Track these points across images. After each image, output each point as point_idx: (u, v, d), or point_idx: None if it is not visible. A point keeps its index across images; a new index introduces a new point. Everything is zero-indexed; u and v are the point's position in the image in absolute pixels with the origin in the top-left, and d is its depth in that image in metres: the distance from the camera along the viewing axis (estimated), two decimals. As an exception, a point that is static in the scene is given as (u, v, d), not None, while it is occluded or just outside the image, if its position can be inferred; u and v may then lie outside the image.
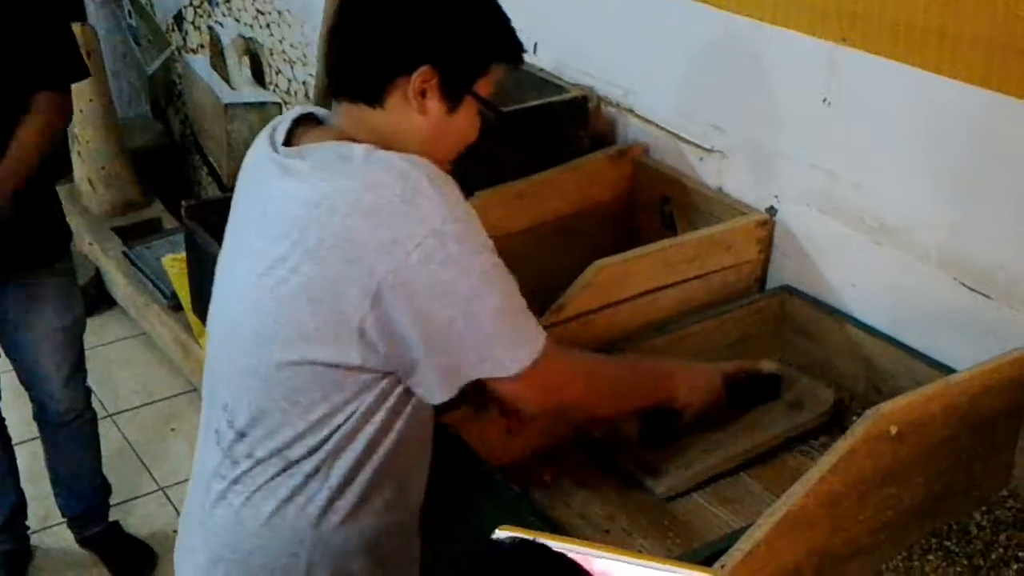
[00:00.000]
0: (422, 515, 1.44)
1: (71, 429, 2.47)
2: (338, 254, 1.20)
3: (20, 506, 2.54)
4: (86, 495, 2.58)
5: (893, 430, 1.29)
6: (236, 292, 1.33)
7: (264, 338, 1.27)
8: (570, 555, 0.86)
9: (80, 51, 2.31)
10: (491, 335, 1.24)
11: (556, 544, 0.88)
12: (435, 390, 1.28)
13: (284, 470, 1.30)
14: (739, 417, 1.57)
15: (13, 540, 2.56)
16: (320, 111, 1.37)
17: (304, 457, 1.29)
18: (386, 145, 1.26)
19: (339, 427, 1.28)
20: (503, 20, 1.33)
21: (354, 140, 1.27)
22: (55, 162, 2.27)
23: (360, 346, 1.23)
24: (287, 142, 1.32)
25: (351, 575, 1.35)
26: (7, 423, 2.49)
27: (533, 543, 0.87)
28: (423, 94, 1.27)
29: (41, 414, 2.47)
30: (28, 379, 2.40)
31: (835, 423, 1.61)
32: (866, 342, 1.65)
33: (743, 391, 1.56)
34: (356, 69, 1.29)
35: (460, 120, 1.32)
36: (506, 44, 1.34)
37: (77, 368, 2.43)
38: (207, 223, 1.87)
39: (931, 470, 1.36)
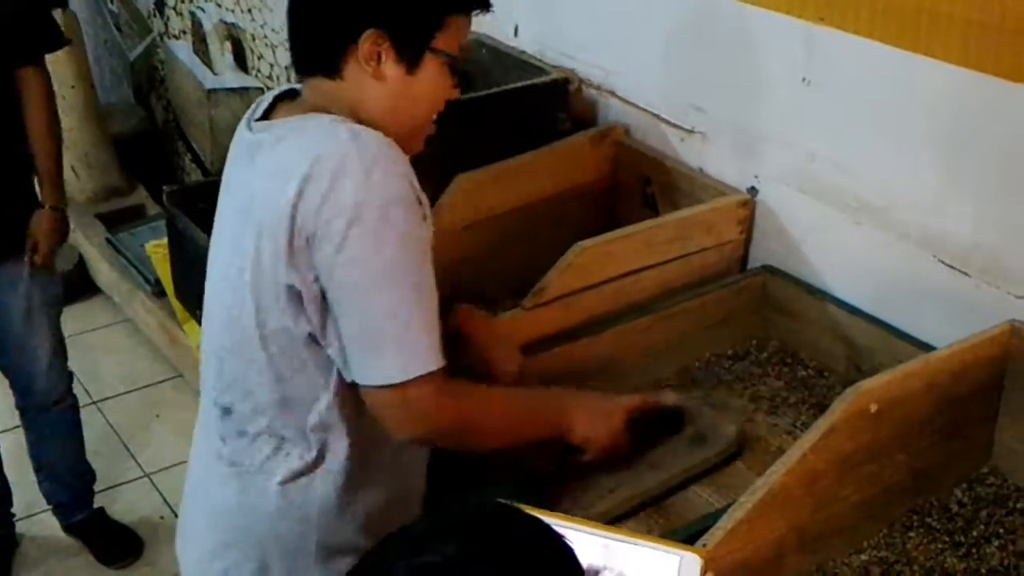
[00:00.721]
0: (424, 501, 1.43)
1: (53, 415, 2.46)
2: (278, 222, 1.20)
3: (5, 494, 2.54)
4: (70, 482, 2.58)
5: (873, 408, 1.29)
6: (218, 273, 1.34)
7: (241, 316, 1.27)
8: (554, 527, 0.86)
9: (54, 20, 2.34)
10: (363, 336, 1.21)
11: (545, 518, 0.88)
12: (343, 368, 1.27)
13: (278, 448, 1.30)
14: (641, 452, 1.47)
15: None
16: (301, 88, 1.36)
17: (297, 437, 1.29)
18: (355, 115, 1.25)
19: (324, 406, 1.28)
20: None
21: (326, 112, 1.26)
22: (27, 142, 2.26)
23: (301, 316, 1.23)
24: (264, 119, 1.32)
25: (359, 551, 1.33)
26: None
27: (512, 508, 0.87)
28: (378, 59, 1.24)
29: (23, 400, 2.46)
30: (10, 363, 2.39)
31: (738, 455, 1.52)
32: (846, 321, 1.66)
33: (646, 425, 1.47)
34: (308, 43, 1.28)
35: (424, 80, 1.27)
36: None
37: (58, 350, 2.43)
38: (189, 208, 1.86)
39: (911, 447, 1.36)
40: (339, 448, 1.30)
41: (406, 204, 1.20)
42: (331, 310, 1.23)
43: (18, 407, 2.49)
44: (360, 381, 1.24)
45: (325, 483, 1.31)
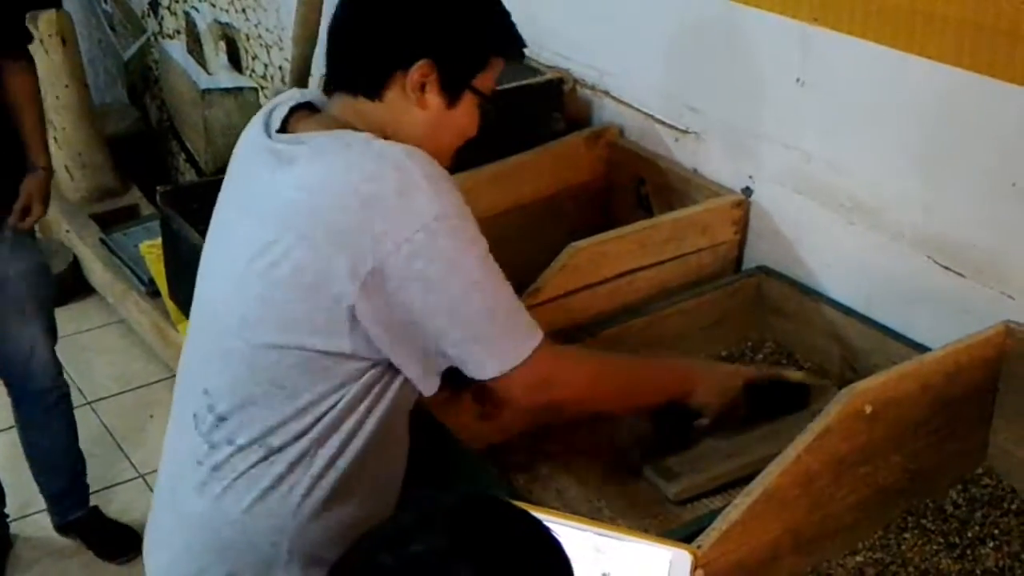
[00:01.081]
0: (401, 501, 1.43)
1: (48, 401, 2.47)
2: (331, 240, 1.20)
3: None
4: (66, 470, 2.58)
5: (868, 409, 1.29)
6: (223, 275, 1.32)
7: (251, 322, 1.26)
8: (547, 523, 0.86)
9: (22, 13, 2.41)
10: (474, 336, 1.24)
11: (537, 513, 0.88)
12: (421, 382, 1.29)
13: (265, 458, 1.29)
14: (762, 425, 1.52)
15: None
16: (317, 98, 1.35)
17: (287, 445, 1.28)
18: (385, 138, 1.26)
19: (323, 415, 1.27)
20: (502, 13, 1.34)
21: (355, 129, 1.26)
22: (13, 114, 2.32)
23: (351, 334, 1.22)
24: (283, 128, 1.31)
25: (329, 564, 1.34)
26: None
27: (500, 500, 0.87)
28: (422, 88, 1.27)
29: (19, 389, 2.47)
30: (5, 350, 2.39)
31: None
32: (841, 321, 1.66)
33: (768, 398, 1.51)
34: (355, 63, 1.29)
35: (459, 114, 1.31)
36: (505, 38, 1.34)
37: (52, 331, 2.45)
38: (183, 209, 1.86)
39: (906, 448, 1.36)
40: (326, 455, 1.29)
41: (465, 205, 1.25)
42: (419, 324, 1.22)
43: (13, 398, 2.49)
44: (487, 376, 1.27)
45: (304, 489, 1.30)
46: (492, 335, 1.25)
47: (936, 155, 1.51)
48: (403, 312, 1.22)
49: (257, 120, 1.34)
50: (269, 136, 1.29)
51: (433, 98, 1.28)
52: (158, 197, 1.90)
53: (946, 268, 1.54)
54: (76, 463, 2.59)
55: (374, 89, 1.28)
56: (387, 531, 0.83)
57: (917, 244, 1.57)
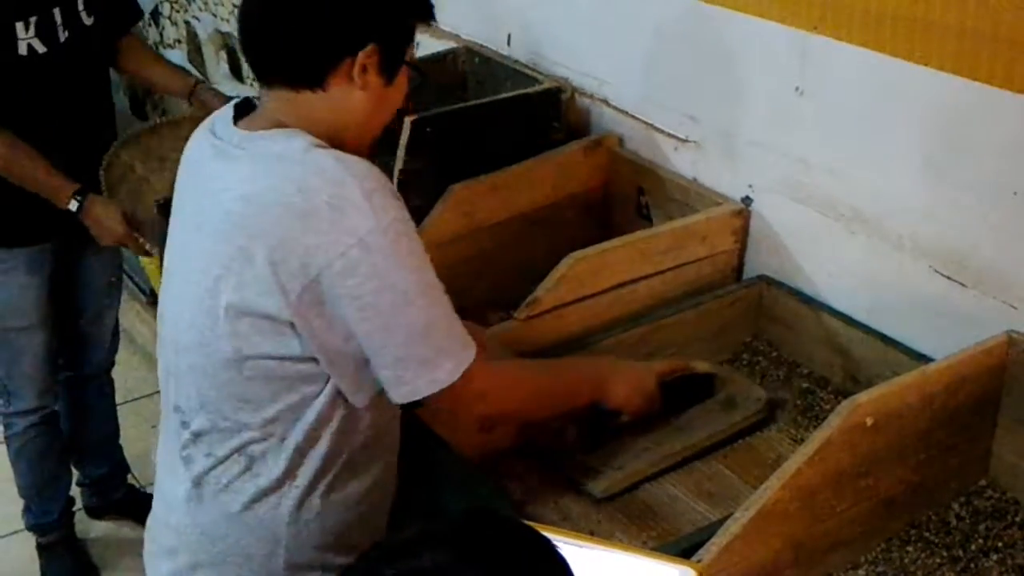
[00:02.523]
0: (393, 509, 1.43)
1: (106, 384, 2.62)
2: (266, 255, 1.18)
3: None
4: (113, 452, 2.70)
5: (869, 421, 1.28)
6: (179, 291, 1.31)
7: (207, 338, 1.25)
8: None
9: None
10: (407, 355, 1.22)
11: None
12: (352, 395, 1.27)
13: (248, 468, 1.29)
14: (674, 417, 1.56)
15: (70, 527, 2.63)
16: (258, 98, 1.33)
17: (267, 454, 1.28)
18: (323, 128, 1.24)
19: (296, 424, 1.26)
20: None
21: (288, 127, 1.24)
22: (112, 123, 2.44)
23: (297, 339, 1.22)
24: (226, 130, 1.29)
25: (329, 567, 1.33)
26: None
27: (504, 515, 0.86)
28: (364, 70, 1.25)
29: (81, 372, 2.55)
30: (85, 331, 2.49)
31: (770, 421, 1.60)
32: (842, 331, 1.65)
33: (678, 391, 1.55)
34: (297, 55, 1.24)
35: (395, 90, 1.30)
36: (423, 3, 1.32)
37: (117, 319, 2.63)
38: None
39: (908, 460, 1.35)
40: (312, 464, 1.28)
41: (405, 218, 1.22)
42: (359, 339, 1.21)
43: (69, 380, 2.55)
44: (418, 396, 1.25)
45: (295, 500, 1.29)
46: (427, 355, 1.22)
47: (937, 164, 1.50)
48: (340, 328, 1.20)
49: (203, 126, 1.33)
50: (216, 138, 1.28)
51: (373, 79, 1.25)
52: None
53: (948, 278, 1.53)
54: (118, 445, 2.72)
55: (318, 80, 1.24)
56: (392, 545, 0.83)
57: (918, 253, 1.56)
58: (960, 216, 1.49)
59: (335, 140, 1.24)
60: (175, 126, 2.31)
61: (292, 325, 1.20)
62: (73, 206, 2.12)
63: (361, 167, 1.20)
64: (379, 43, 1.24)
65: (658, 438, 1.54)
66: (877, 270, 1.62)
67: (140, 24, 2.59)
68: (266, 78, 1.27)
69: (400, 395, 1.25)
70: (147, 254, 2.28)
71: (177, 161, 1.37)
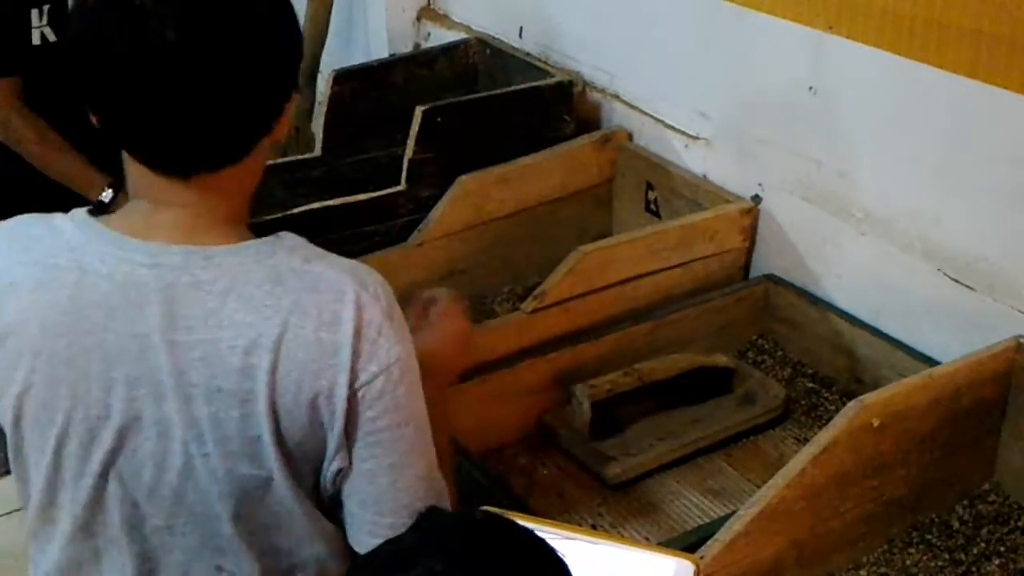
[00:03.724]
0: None
1: None
2: (293, 402, 0.97)
3: None
4: None
5: (875, 422, 1.28)
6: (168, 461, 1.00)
7: (191, 491, 1.02)
8: (549, 537, 0.85)
9: None
10: (408, 496, 1.03)
11: (536, 526, 0.87)
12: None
13: None
14: (690, 409, 1.59)
15: None
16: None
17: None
18: (241, 198, 1.01)
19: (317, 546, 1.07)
20: None
21: (205, 216, 0.98)
22: None
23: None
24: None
25: None
26: None
27: (502, 519, 0.86)
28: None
29: None
30: None
31: (785, 418, 1.61)
32: (849, 332, 1.64)
33: (696, 383, 1.58)
34: (225, 133, 0.96)
35: (282, 127, 1.03)
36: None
37: None
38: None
39: (913, 463, 1.35)
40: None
41: (410, 339, 1.04)
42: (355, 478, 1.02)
43: None
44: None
45: None
46: (429, 495, 1.04)
47: (949, 167, 1.50)
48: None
49: (59, 254, 0.97)
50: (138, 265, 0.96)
51: (279, 123, 1.01)
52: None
53: (956, 281, 1.52)
54: None
55: (246, 151, 0.98)
56: (387, 554, 0.82)
57: (927, 256, 1.55)
58: (971, 220, 1.49)
59: (246, 204, 1.03)
60: None
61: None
62: (106, 196, 2.10)
63: (374, 280, 1.01)
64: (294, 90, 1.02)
65: (674, 428, 1.56)
66: (885, 272, 1.61)
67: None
68: (183, 168, 0.97)
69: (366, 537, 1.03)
70: None
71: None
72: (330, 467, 1.01)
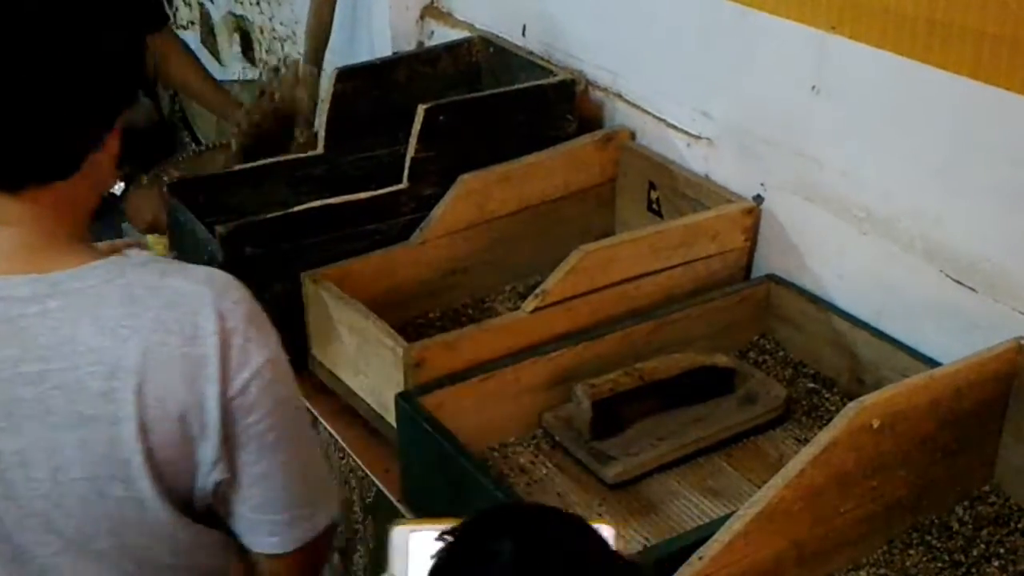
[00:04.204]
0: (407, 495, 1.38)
1: None
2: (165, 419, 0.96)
3: None
4: None
5: (876, 423, 1.28)
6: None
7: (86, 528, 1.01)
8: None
9: None
10: (298, 496, 1.06)
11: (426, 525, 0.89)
12: None
13: None
14: (691, 409, 1.59)
15: None
16: None
17: None
18: (82, 211, 1.02)
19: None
20: None
21: (43, 236, 0.97)
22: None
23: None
24: None
25: None
26: None
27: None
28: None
29: None
30: None
31: (786, 418, 1.61)
32: (850, 332, 1.64)
33: (697, 383, 1.58)
34: (48, 145, 0.95)
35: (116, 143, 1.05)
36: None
37: None
38: (190, 201, 1.85)
39: (913, 464, 1.35)
40: None
41: (277, 337, 1.04)
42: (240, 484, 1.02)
43: None
44: (298, 544, 1.07)
45: None
46: (316, 495, 1.08)
47: (951, 167, 1.50)
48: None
49: None
50: None
51: (111, 138, 1.02)
52: (166, 188, 1.89)
53: (958, 282, 1.52)
54: None
55: (75, 166, 0.97)
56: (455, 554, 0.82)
57: (929, 257, 1.55)
58: (973, 221, 1.49)
59: (84, 222, 1.03)
60: (222, 151, 2.30)
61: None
62: (117, 189, 2.11)
63: (234, 285, 1.01)
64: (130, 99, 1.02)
65: (675, 428, 1.55)
66: (887, 272, 1.61)
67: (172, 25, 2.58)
68: (10, 180, 0.95)
69: (293, 540, 1.06)
70: None
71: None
72: (209, 478, 0.99)
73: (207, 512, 1.04)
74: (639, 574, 0.88)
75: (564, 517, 0.87)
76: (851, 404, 1.27)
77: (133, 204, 2.14)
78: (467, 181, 1.80)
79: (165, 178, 2.22)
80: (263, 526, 1.04)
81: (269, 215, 1.73)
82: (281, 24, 3.25)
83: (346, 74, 2.00)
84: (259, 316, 1.02)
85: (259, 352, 0.99)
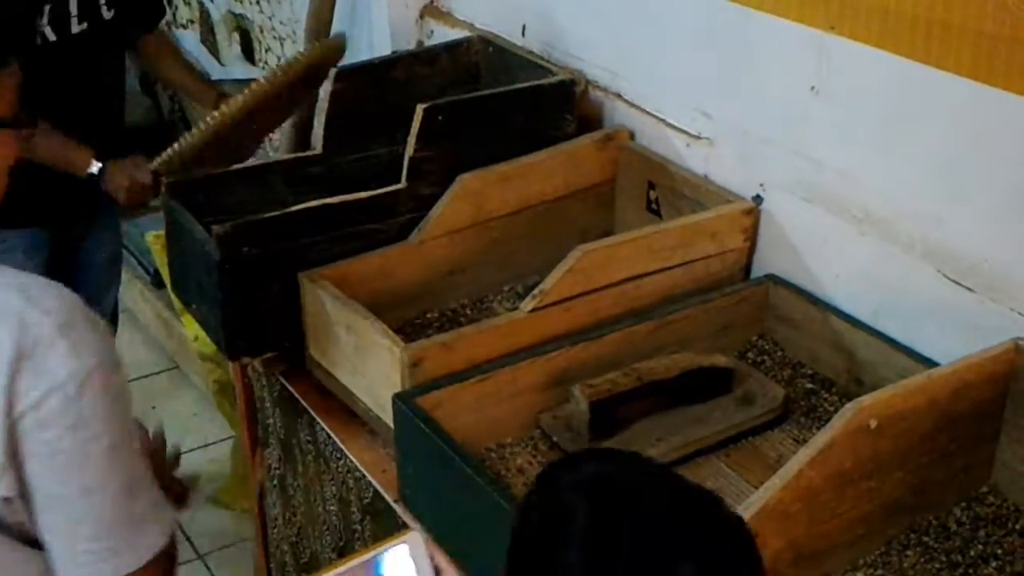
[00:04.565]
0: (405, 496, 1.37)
1: None
2: None
3: None
4: None
5: (873, 424, 1.28)
6: None
7: None
8: None
9: None
10: (113, 526, 1.00)
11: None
12: None
13: None
14: (689, 409, 1.59)
15: None
16: None
17: None
18: None
19: None
20: None
21: None
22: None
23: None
24: None
25: None
26: None
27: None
28: None
29: None
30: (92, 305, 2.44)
31: (785, 419, 1.61)
32: (849, 333, 1.64)
33: (695, 383, 1.58)
34: None
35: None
36: None
37: (116, 320, 2.69)
38: (188, 201, 1.85)
39: (911, 464, 1.35)
40: None
41: (104, 352, 1.00)
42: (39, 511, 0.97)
43: None
44: (134, 568, 1.01)
45: None
46: (133, 524, 1.01)
47: (950, 168, 1.50)
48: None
49: None
50: None
51: None
52: (164, 188, 1.89)
53: (956, 283, 1.52)
54: None
55: None
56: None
57: (928, 257, 1.55)
58: (972, 221, 1.48)
59: None
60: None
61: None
62: (94, 168, 2.11)
63: (50, 293, 0.98)
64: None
65: (672, 428, 1.55)
66: (885, 273, 1.61)
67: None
68: None
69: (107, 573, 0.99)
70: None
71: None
72: None
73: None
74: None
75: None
76: (849, 405, 1.27)
77: (111, 178, 2.12)
78: (466, 181, 1.80)
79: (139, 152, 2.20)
80: (69, 556, 0.97)
81: (266, 215, 1.73)
82: (281, 23, 3.25)
83: (344, 73, 2.00)
84: (78, 328, 0.96)
85: (65, 365, 0.94)
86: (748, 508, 1.20)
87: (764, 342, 1.76)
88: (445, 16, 2.44)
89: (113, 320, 2.65)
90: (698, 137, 1.88)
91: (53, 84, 2.12)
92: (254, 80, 1.82)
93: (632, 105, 1.99)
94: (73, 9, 2.09)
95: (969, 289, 1.50)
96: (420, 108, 1.81)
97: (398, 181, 1.83)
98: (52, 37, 2.08)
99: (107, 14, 2.16)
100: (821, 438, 1.25)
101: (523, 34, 2.23)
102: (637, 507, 0.79)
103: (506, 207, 1.86)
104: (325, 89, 1.99)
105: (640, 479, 0.82)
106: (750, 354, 1.74)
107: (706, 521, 0.80)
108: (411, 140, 1.82)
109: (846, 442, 1.26)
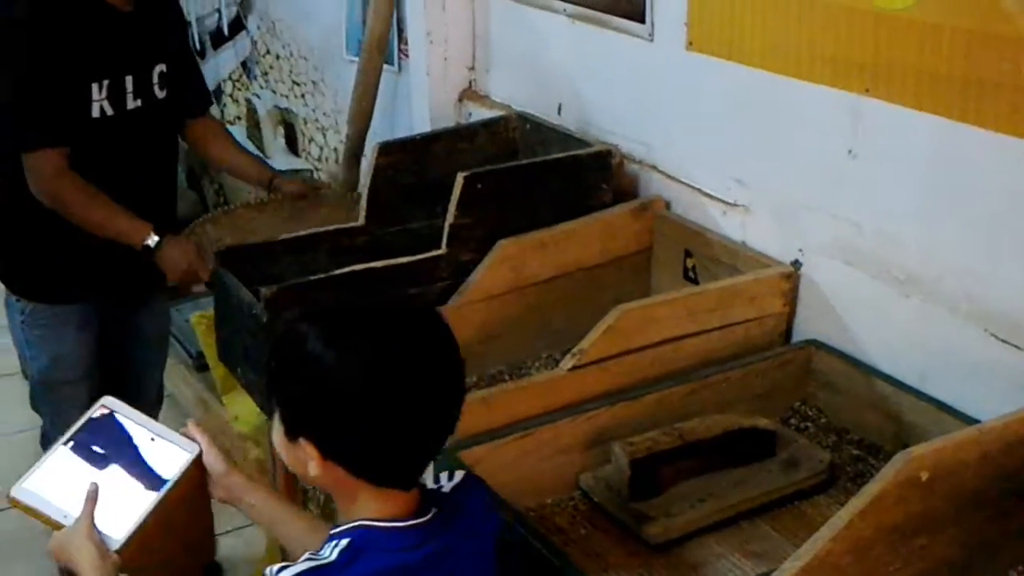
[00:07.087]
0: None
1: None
2: None
3: None
4: None
5: (924, 476, 1.24)
6: None
7: None
8: None
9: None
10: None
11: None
12: None
13: None
14: (732, 472, 1.56)
15: None
16: None
17: None
18: None
19: None
20: None
21: None
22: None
23: None
24: None
25: None
26: None
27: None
28: None
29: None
30: (130, 386, 2.46)
31: (831, 484, 1.57)
32: (895, 396, 1.61)
33: (738, 445, 1.56)
34: None
35: None
36: None
37: (161, 398, 2.73)
38: (237, 269, 1.88)
39: (963, 522, 1.30)
40: None
41: None
42: None
43: None
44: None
45: None
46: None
47: (993, 225, 1.49)
48: None
49: None
50: None
51: None
52: (216, 256, 1.92)
53: (1004, 341, 1.49)
54: None
55: None
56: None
57: (973, 317, 1.53)
58: (1015, 278, 1.47)
59: None
60: (256, 209, 2.36)
61: None
62: (152, 241, 2.15)
63: None
64: None
65: (715, 490, 1.52)
66: (930, 333, 1.59)
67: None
68: None
69: None
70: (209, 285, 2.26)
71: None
72: None
73: None
74: None
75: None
76: (899, 454, 1.24)
77: (167, 255, 2.16)
78: (505, 246, 1.82)
79: (197, 230, 2.26)
80: None
81: (312, 278, 1.75)
82: (324, 115, 3.34)
83: (387, 148, 2.05)
84: None
85: None
86: (797, 560, 1.17)
87: (807, 408, 1.73)
88: (483, 99, 2.50)
89: (158, 400, 2.66)
90: (734, 204, 1.89)
91: (110, 157, 2.19)
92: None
93: (667, 176, 2.01)
94: (129, 87, 2.17)
95: (1018, 347, 1.48)
96: (460, 176, 1.84)
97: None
98: (110, 111, 2.16)
99: (160, 93, 2.23)
100: (871, 489, 1.21)
101: (559, 112, 2.28)
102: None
103: (544, 273, 1.87)
104: (369, 162, 2.04)
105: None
106: (792, 420, 1.72)
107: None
108: (451, 207, 1.85)
109: (896, 494, 1.22)
